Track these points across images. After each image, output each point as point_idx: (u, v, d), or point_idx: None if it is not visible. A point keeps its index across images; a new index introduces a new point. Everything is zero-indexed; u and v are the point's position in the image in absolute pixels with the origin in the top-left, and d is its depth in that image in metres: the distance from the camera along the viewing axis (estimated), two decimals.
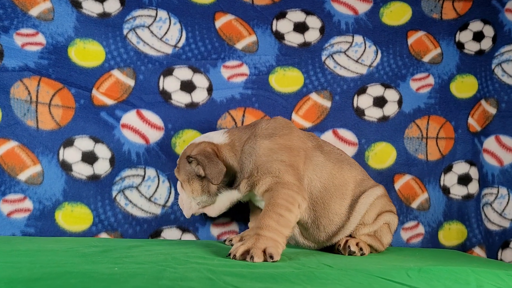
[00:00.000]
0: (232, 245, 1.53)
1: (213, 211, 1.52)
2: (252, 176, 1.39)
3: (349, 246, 1.44)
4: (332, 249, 1.52)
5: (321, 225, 1.46)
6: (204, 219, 1.72)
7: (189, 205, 1.52)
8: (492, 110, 1.87)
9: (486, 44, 1.92)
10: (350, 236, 1.51)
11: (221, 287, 0.82)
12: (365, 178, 1.58)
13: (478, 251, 1.86)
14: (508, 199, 1.79)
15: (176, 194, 1.69)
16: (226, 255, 1.20)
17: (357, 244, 1.45)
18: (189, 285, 0.82)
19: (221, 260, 1.11)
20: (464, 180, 1.90)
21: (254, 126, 1.49)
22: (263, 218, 1.26)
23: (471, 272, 1.12)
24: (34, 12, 1.63)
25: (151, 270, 0.93)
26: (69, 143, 1.63)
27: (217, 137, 1.49)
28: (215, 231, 1.73)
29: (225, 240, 1.59)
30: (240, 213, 1.75)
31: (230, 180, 1.45)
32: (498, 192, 1.82)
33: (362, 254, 1.45)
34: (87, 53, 1.67)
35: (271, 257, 1.16)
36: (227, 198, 1.48)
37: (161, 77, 1.73)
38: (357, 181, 1.52)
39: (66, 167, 1.62)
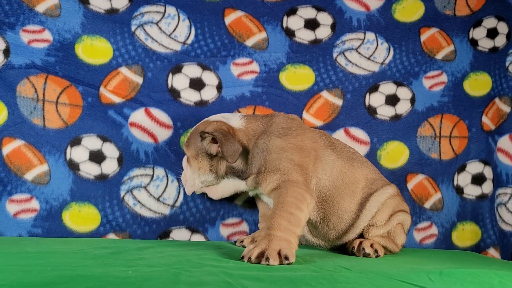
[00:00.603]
0: (243, 246, 1.50)
1: (216, 193, 1.50)
2: (260, 172, 1.37)
3: (363, 248, 1.41)
4: (343, 249, 1.49)
5: (331, 223, 1.44)
6: (214, 219, 1.69)
7: (193, 182, 1.49)
8: (506, 109, 1.83)
9: (500, 41, 1.89)
10: (362, 235, 1.48)
11: None
12: (377, 177, 1.54)
13: (493, 252, 1.82)
14: None
15: (186, 194, 1.65)
16: (239, 258, 1.16)
17: (371, 246, 1.42)
18: None
19: (237, 263, 1.08)
20: (478, 179, 1.86)
21: (271, 120, 1.47)
22: (274, 218, 1.24)
23: (494, 275, 1.09)
24: (40, 8, 1.60)
25: (165, 274, 0.89)
26: (76, 142, 1.60)
27: (234, 119, 1.47)
28: (225, 231, 1.70)
29: (235, 241, 1.56)
30: (250, 214, 1.71)
31: (238, 170, 1.43)
32: None
33: (377, 256, 1.41)
34: (94, 50, 1.64)
35: (287, 258, 1.13)
36: (233, 184, 1.47)
37: (170, 75, 1.69)
38: (368, 180, 1.49)
39: (73, 166, 1.59)
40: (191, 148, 1.46)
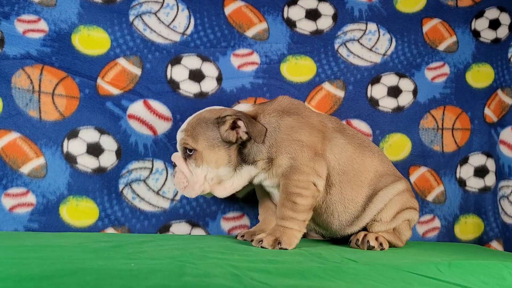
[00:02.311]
0: (244, 240, 1.47)
1: (225, 189, 1.39)
2: (270, 155, 1.35)
3: (368, 241, 1.38)
4: (345, 242, 1.47)
5: (336, 212, 1.42)
6: (215, 213, 1.66)
7: (203, 180, 1.36)
8: (509, 100, 1.82)
9: (503, 32, 1.87)
10: (365, 229, 1.46)
11: (249, 284, 0.76)
12: (388, 171, 1.51)
13: (495, 245, 1.81)
14: None
15: None
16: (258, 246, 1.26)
17: (376, 239, 1.40)
18: (215, 282, 0.76)
19: (241, 255, 1.05)
20: (480, 172, 1.84)
21: (278, 101, 1.43)
22: (279, 209, 1.34)
23: (504, 267, 1.07)
24: None
25: (170, 266, 0.87)
26: (73, 134, 1.56)
27: (240, 106, 1.43)
28: (225, 225, 1.67)
29: (236, 235, 1.53)
30: (251, 208, 1.69)
31: (250, 154, 1.36)
32: None
33: (382, 249, 1.39)
34: (91, 40, 1.60)
35: (279, 243, 1.25)
36: (247, 174, 1.38)
37: (169, 66, 1.66)
38: (378, 172, 1.46)
39: (70, 159, 1.55)
40: (201, 139, 1.34)
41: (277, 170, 1.34)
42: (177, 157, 1.39)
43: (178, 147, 1.40)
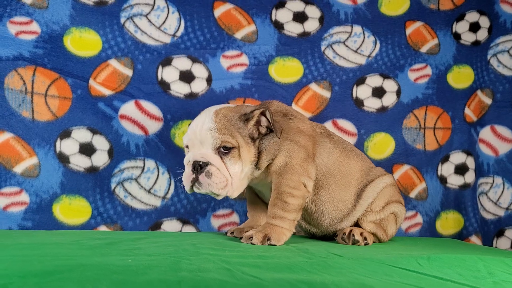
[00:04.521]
0: (234, 236, 1.52)
1: (241, 188, 1.38)
2: (275, 151, 1.37)
3: (353, 235, 1.44)
4: (333, 238, 1.53)
5: (326, 210, 1.48)
6: (205, 210, 1.70)
7: (240, 177, 1.33)
8: (488, 101, 1.89)
9: (482, 35, 1.94)
10: (356, 224, 1.52)
11: (241, 278, 0.81)
12: (373, 167, 1.58)
13: (475, 239, 1.89)
14: (503, 188, 1.82)
15: (178, 186, 1.67)
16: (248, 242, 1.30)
17: (361, 234, 1.46)
18: (209, 276, 0.80)
19: (232, 251, 1.10)
20: (461, 169, 1.92)
21: (271, 105, 1.46)
22: (270, 207, 1.37)
23: (479, 260, 1.13)
24: None
25: (166, 262, 0.91)
26: (66, 134, 1.59)
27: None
28: (215, 222, 1.72)
29: (226, 232, 1.58)
30: (241, 205, 1.74)
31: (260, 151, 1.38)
32: (493, 181, 1.84)
33: (366, 244, 1.45)
34: (83, 42, 1.63)
35: (269, 239, 1.29)
36: (251, 172, 1.38)
37: (160, 67, 1.69)
38: (363, 171, 1.53)
39: (63, 159, 1.59)
40: (238, 136, 1.31)
41: (272, 168, 1.38)
42: (208, 156, 1.30)
43: (210, 146, 1.30)
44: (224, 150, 1.30)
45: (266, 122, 1.34)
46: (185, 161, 1.34)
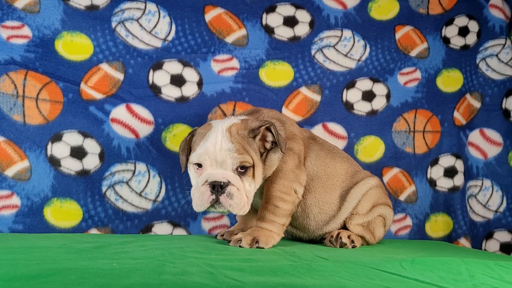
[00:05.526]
0: (224, 239, 1.53)
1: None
2: (274, 165, 1.40)
3: (340, 238, 1.46)
4: (321, 241, 1.54)
5: (311, 214, 1.49)
6: (195, 213, 1.72)
7: (253, 194, 1.35)
8: (477, 104, 1.91)
9: (471, 39, 1.96)
10: (343, 226, 1.53)
11: (223, 281, 0.83)
12: (359, 169, 1.60)
13: (464, 242, 1.90)
14: (492, 191, 1.84)
15: (169, 189, 1.68)
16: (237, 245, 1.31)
17: (348, 237, 1.47)
18: (191, 280, 0.82)
19: (218, 255, 1.11)
20: (450, 172, 1.94)
21: (263, 113, 1.47)
22: (260, 211, 1.39)
23: (462, 263, 1.15)
24: (19, 4, 1.59)
25: (150, 265, 0.92)
26: (57, 138, 1.61)
27: (230, 119, 1.42)
28: (206, 225, 1.73)
29: (216, 235, 1.59)
30: None
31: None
32: (482, 184, 1.86)
33: (354, 247, 1.47)
34: (74, 46, 1.64)
35: (257, 242, 1.31)
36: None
37: (151, 71, 1.71)
38: (349, 173, 1.55)
39: (54, 162, 1.60)
40: (253, 154, 1.31)
41: (266, 173, 1.39)
42: (229, 176, 1.28)
43: (230, 167, 1.29)
44: (241, 170, 1.30)
45: (272, 137, 1.36)
46: (201, 181, 1.28)
